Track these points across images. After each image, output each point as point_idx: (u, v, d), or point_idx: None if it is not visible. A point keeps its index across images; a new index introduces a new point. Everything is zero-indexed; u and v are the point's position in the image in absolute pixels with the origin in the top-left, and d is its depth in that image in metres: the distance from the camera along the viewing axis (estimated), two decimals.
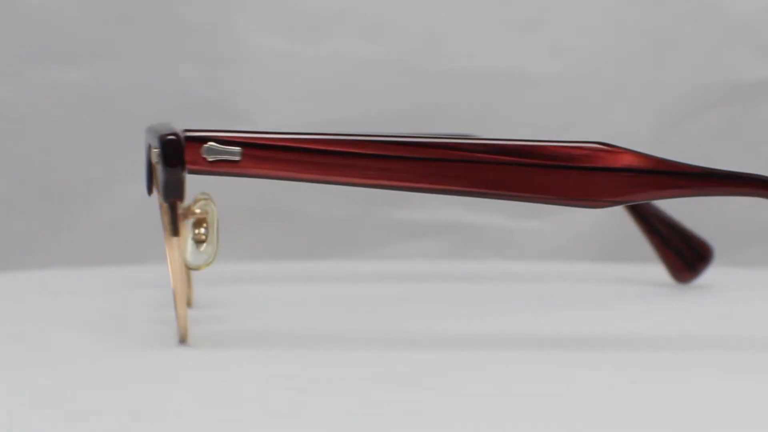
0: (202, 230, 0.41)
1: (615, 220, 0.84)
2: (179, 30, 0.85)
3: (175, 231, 0.41)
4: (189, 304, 0.49)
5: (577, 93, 0.84)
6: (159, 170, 0.41)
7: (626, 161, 0.40)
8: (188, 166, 0.40)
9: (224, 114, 0.83)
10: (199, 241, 0.41)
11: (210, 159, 0.40)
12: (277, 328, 0.45)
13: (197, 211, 0.41)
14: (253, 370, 0.39)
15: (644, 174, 0.40)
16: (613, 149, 0.40)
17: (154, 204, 0.74)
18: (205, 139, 0.40)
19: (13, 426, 0.31)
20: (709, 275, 0.59)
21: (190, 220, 0.41)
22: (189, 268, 0.41)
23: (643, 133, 0.83)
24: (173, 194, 0.40)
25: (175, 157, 0.40)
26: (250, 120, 0.83)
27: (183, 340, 0.41)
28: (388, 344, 0.42)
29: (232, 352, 0.41)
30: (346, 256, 0.80)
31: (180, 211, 0.41)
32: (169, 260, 0.41)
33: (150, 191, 0.44)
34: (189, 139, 0.40)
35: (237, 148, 0.40)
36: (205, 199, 0.41)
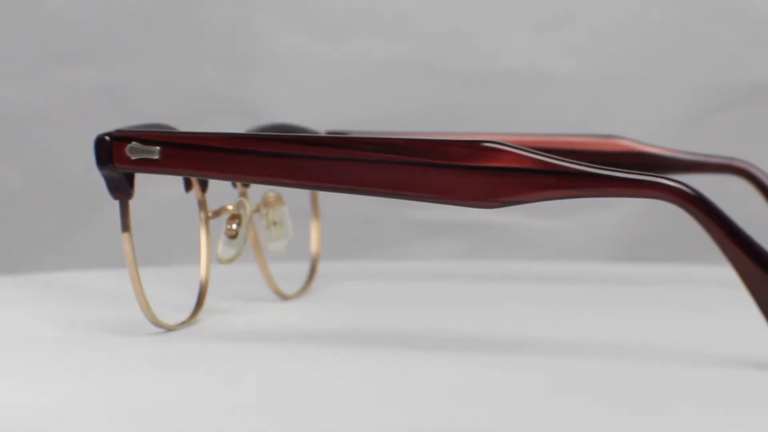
0: (234, 226, 0.43)
1: (637, 221, 0.84)
2: (199, 31, 0.85)
3: (125, 226, 0.43)
4: (282, 294, 0.50)
5: (598, 92, 0.84)
6: None
7: (507, 161, 0.38)
8: (116, 165, 0.42)
9: (244, 114, 0.83)
10: (230, 237, 0.42)
11: (133, 158, 0.42)
12: (295, 325, 0.46)
13: (229, 207, 0.43)
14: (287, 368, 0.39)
15: (527, 174, 0.38)
16: (496, 148, 0.38)
17: (173, 205, 0.74)
18: (129, 139, 0.42)
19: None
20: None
21: (226, 216, 0.43)
22: (219, 262, 0.43)
23: (666, 131, 0.82)
24: (116, 191, 0.43)
25: (105, 156, 0.42)
26: (272, 118, 0.83)
27: (156, 324, 0.43)
28: (417, 345, 0.42)
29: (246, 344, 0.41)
30: (363, 257, 0.80)
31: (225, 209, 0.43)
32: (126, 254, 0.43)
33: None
34: (116, 138, 0.42)
35: (156, 147, 0.41)
36: (242, 198, 0.43)
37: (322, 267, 0.55)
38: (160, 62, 0.85)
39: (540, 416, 0.33)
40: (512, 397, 0.35)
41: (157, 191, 0.85)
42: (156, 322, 0.43)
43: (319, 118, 0.85)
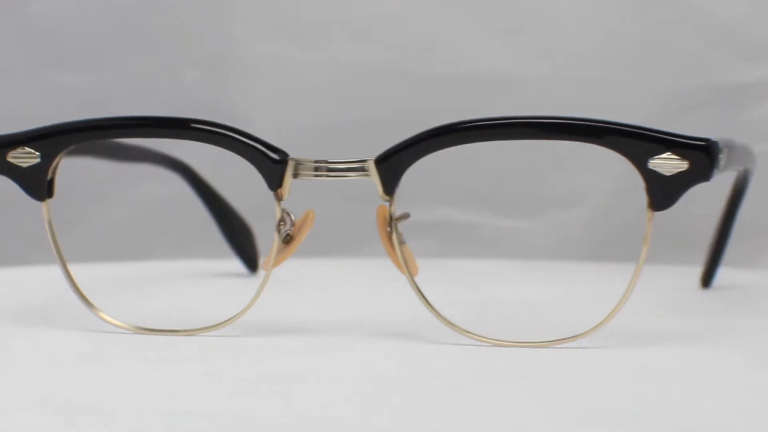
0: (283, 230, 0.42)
1: (604, 220, 0.85)
2: (181, 36, 0.85)
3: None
4: None
5: (563, 96, 0.84)
6: None
7: None
8: None
9: (224, 117, 0.84)
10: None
11: None
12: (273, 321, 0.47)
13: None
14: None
15: None
16: None
17: (159, 204, 0.76)
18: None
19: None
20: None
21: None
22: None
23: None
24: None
25: None
26: (249, 122, 0.84)
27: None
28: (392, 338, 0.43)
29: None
30: (334, 254, 0.80)
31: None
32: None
33: None
34: None
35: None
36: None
37: (294, 264, 0.56)
38: (143, 67, 0.85)
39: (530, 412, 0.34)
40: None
41: (142, 189, 0.85)
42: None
43: (295, 122, 0.85)
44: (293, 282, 0.57)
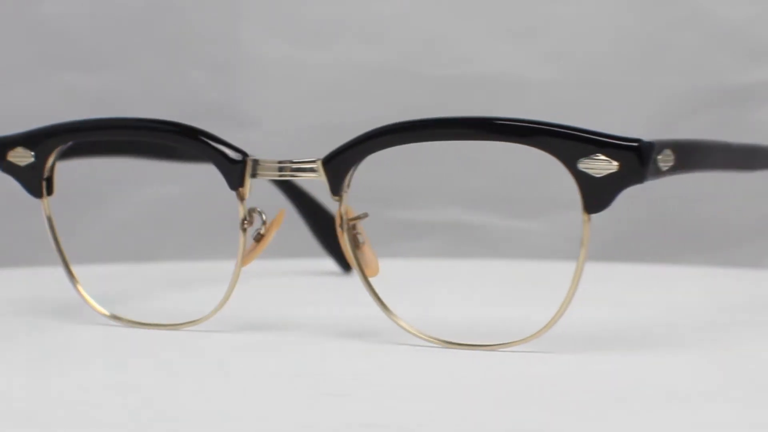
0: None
1: (612, 221, 0.85)
2: (189, 37, 0.85)
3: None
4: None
5: (572, 98, 0.84)
6: None
7: None
8: None
9: (232, 118, 0.84)
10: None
11: None
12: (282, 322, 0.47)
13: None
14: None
15: None
16: None
17: (164, 205, 0.75)
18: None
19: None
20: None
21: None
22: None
23: (637, 134, 0.83)
24: None
25: None
26: (257, 124, 0.84)
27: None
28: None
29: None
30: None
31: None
32: None
33: None
34: None
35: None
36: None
37: (299, 264, 0.55)
38: (150, 68, 0.85)
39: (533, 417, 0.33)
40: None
41: (147, 190, 0.85)
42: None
43: (302, 123, 0.85)
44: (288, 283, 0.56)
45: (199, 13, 0.86)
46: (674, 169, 0.40)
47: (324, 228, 0.63)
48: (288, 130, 0.80)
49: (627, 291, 0.59)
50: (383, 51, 0.85)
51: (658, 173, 0.39)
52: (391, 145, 0.41)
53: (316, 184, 0.43)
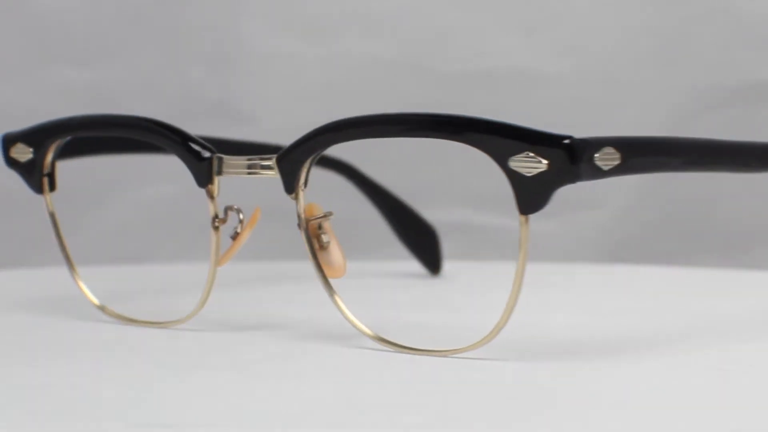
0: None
1: (623, 222, 0.84)
2: (188, 32, 0.86)
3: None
4: None
5: (586, 93, 0.84)
6: None
7: None
8: None
9: (231, 114, 0.84)
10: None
11: None
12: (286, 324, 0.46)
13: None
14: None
15: None
16: None
17: (163, 206, 0.75)
18: None
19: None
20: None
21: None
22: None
23: (655, 132, 0.83)
24: None
25: None
26: (257, 120, 0.84)
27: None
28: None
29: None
30: (350, 257, 0.80)
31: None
32: None
33: None
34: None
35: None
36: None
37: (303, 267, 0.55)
38: (149, 63, 0.86)
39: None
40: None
41: (146, 191, 0.85)
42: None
43: (304, 119, 0.85)
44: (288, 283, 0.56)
45: (198, 7, 0.86)
46: (621, 169, 0.38)
47: (408, 229, 0.63)
48: (289, 126, 0.80)
49: (636, 294, 0.58)
50: (390, 46, 0.85)
51: (598, 173, 0.37)
52: (334, 143, 0.40)
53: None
